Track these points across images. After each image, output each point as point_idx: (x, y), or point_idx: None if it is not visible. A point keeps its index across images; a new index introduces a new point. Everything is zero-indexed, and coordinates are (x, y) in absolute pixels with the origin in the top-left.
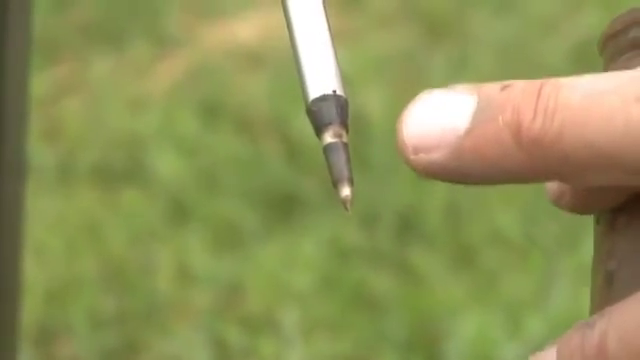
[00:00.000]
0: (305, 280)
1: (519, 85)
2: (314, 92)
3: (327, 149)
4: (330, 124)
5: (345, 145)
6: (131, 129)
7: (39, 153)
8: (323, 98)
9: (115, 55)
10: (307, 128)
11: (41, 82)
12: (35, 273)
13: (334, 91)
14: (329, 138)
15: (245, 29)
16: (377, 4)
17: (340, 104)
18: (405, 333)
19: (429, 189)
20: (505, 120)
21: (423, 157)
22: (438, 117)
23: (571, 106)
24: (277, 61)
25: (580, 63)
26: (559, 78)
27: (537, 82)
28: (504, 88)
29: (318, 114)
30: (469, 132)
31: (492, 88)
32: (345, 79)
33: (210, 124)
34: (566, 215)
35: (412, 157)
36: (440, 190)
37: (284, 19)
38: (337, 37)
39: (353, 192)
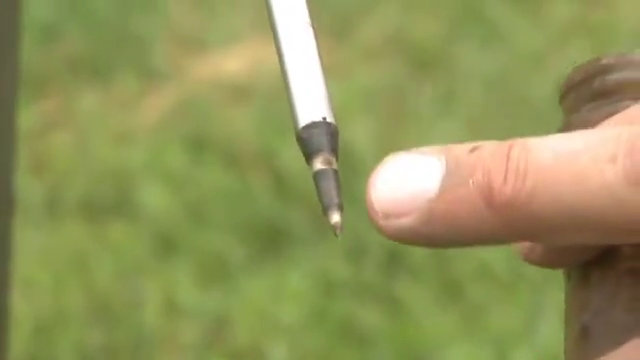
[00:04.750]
0: (293, 313)
1: (488, 147)
2: (304, 119)
3: (317, 176)
4: (320, 151)
5: (335, 172)
6: (118, 163)
7: (26, 187)
8: (313, 125)
9: (102, 89)
10: (294, 161)
11: (28, 116)
12: (22, 307)
13: (324, 118)
14: (319, 165)
15: (232, 62)
16: (364, 37)
17: (330, 131)
18: None
19: None
20: (476, 183)
21: (393, 222)
22: (407, 181)
23: (542, 167)
24: (264, 94)
25: None
26: (527, 139)
27: (506, 143)
28: (473, 150)
29: (308, 141)
30: (439, 196)
31: (460, 150)
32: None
33: (197, 157)
34: None
35: (382, 223)
36: None
37: (271, 52)
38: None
39: (343, 218)
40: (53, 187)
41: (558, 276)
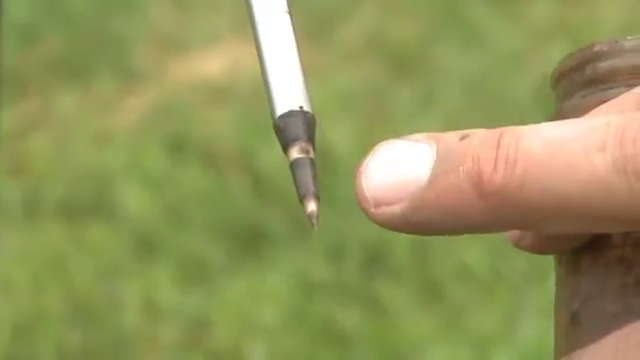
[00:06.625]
0: (272, 314)
1: (478, 134)
2: (281, 108)
3: (293, 165)
4: (297, 140)
5: (312, 161)
6: (97, 164)
7: (5, 188)
8: (290, 114)
9: (81, 90)
10: (274, 162)
11: (7, 117)
12: (1, 307)
13: (301, 107)
14: (296, 154)
15: (211, 64)
16: (344, 39)
17: (307, 120)
18: None
19: None
20: (466, 171)
21: (384, 210)
22: (398, 169)
23: (532, 155)
24: (243, 95)
25: (546, 98)
26: (518, 127)
27: (496, 131)
28: (463, 138)
29: (285, 130)
30: (430, 184)
31: (451, 138)
32: None
33: (177, 158)
34: None
35: (373, 210)
36: None
37: (250, 53)
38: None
39: (319, 207)
40: (32, 188)
41: (538, 277)
